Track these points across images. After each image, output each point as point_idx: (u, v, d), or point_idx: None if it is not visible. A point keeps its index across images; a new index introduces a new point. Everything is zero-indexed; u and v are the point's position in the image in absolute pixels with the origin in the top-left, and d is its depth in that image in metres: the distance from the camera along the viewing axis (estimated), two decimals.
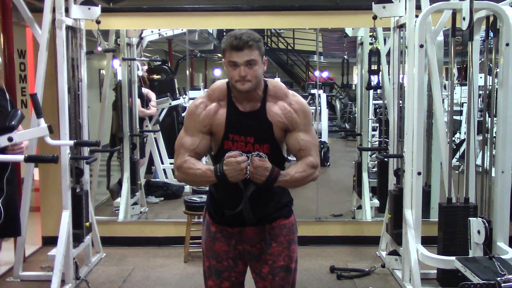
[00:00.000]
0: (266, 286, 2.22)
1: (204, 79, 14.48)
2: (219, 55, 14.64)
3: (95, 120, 4.96)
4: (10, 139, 2.71)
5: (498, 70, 3.40)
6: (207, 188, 2.29)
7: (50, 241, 4.31)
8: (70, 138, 3.63)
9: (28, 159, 2.84)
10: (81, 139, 3.89)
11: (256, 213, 2.12)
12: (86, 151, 4.01)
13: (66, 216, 3.60)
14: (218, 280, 2.26)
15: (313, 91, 10.43)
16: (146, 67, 6.15)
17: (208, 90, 2.18)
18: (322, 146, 8.69)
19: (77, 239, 3.77)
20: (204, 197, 4.45)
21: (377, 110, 8.43)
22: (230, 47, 2.03)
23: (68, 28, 3.75)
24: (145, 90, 6.12)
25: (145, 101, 6.04)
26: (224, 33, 13.64)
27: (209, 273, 2.30)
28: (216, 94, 2.13)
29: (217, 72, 14.55)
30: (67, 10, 3.71)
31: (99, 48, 4.17)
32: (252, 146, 2.07)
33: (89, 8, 3.82)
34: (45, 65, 3.66)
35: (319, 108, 9.78)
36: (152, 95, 6.27)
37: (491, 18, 3.39)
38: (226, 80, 2.13)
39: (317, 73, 10.35)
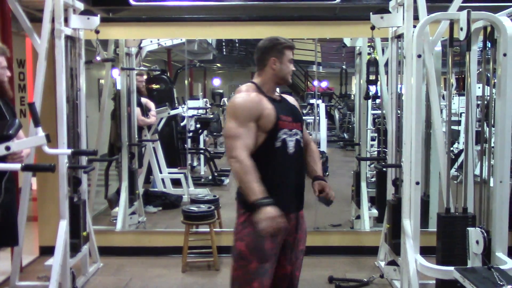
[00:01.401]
0: (292, 269, 2.53)
1: (203, 88, 14.51)
2: (218, 65, 14.72)
3: (94, 129, 4.96)
4: (7, 148, 2.71)
5: (495, 80, 3.40)
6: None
7: (47, 250, 4.28)
8: (68, 147, 3.63)
9: (25, 168, 2.84)
10: (79, 149, 3.89)
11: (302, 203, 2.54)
12: (84, 160, 4.00)
13: (63, 226, 3.58)
14: (264, 279, 2.38)
15: (312, 101, 10.44)
16: (143, 77, 6.13)
17: (241, 90, 2.46)
18: (321, 156, 8.68)
19: (74, 248, 3.75)
20: (203, 207, 4.45)
21: (376, 120, 8.45)
22: (291, 47, 2.51)
23: (67, 38, 3.77)
24: (144, 100, 6.12)
25: (144, 110, 6.04)
26: (223, 43, 13.79)
27: (255, 275, 2.38)
28: (251, 90, 2.45)
29: (216, 81, 14.59)
30: (66, 20, 3.74)
31: (98, 58, 4.18)
32: (294, 124, 2.47)
33: (88, 18, 3.84)
34: (44, 75, 3.67)
35: (318, 118, 9.80)
36: (152, 105, 6.28)
37: (489, 29, 3.40)
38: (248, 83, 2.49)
39: (315, 83, 10.37)
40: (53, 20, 3.63)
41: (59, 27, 3.61)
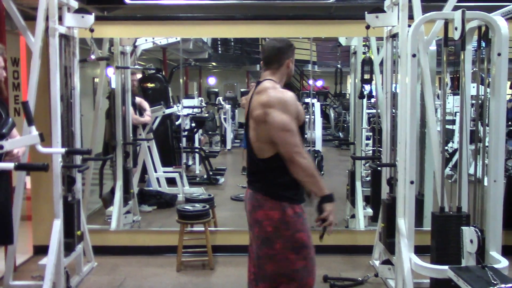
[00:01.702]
0: None
1: (198, 87, 14.50)
2: (214, 63, 14.71)
3: (88, 128, 4.94)
4: (0, 147, 2.69)
5: (490, 79, 3.41)
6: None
7: (41, 250, 4.27)
8: (62, 146, 3.62)
9: (19, 167, 2.82)
10: (74, 148, 3.87)
11: None
12: (78, 159, 3.99)
13: (57, 225, 3.57)
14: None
15: (307, 100, 10.45)
16: (135, 76, 6.10)
17: (268, 87, 2.49)
18: (316, 155, 8.69)
19: (69, 248, 3.74)
20: (198, 206, 4.45)
21: (371, 119, 8.46)
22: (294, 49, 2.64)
23: (61, 36, 3.75)
24: (138, 99, 6.10)
25: (138, 110, 6.01)
26: (219, 42, 13.78)
27: (314, 261, 2.54)
28: (279, 87, 2.54)
29: (212, 80, 14.57)
30: (60, 19, 3.72)
31: (93, 57, 4.17)
32: None
33: (83, 17, 3.82)
34: (38, 73, 3.65)
35: (313, 117, 9.80)
36: (146, 104, 6.26)
37: (483, 28, 3.41)
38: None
39: (311, 82, 10.38)
40: (47, 19, 3.61)
41: (53, 25, 3.59)
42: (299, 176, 2.40)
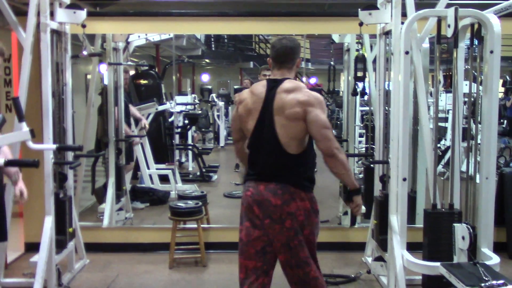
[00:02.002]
0: None
1: (191, 84, 14.46)
2: (207, 60, 14.67)
3: (81, 125, 4.91)
4: None
5: (482, 77, 3.42)
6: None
7: (33, 247, 4.24)
8: (54, 143, 3.59)
9: (8, 163, 2.80)
10: (65, 144, 3.85)
11: None
12: (70, 156, 3.96)
13: (48, 222, 3.55)
14: None
15: None
16: (128, 74, 6.04)
17: (302, 86, 2.64)
18: None
19: (60, 245, 3.72)
20: (190, 203, 4.44)
21: (364, 117, 8.48)
22: None
23: (53, 32, 3.73)
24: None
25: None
26: (212, 39, 13.76)
27: None
28: None
29: (205, 77, 14.55)
30: (52, 14, 3.69)
31: (85, 53, 4.14)
32: None
33: (75, 12, 3.79)
34: (29, 69, 3.62)
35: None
36: (132, 108, 6.18)
37: (476, 26, 3.42)
38: None
39: (304, 79, 10.38)
40: (38, 14, 3.58)
41: (45, 20, 3.56)
42: (337, 169, 2.61)
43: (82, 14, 3.80)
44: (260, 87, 2.65)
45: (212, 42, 13.73)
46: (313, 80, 15.35)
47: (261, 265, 2.64)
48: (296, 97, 2.54)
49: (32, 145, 2.91)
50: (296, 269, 2.65)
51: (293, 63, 2.69)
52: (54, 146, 3.36)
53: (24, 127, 2.81)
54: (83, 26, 3.86)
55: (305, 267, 2.65)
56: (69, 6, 3.83)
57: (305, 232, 2.63)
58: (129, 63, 5.92)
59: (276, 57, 2.68)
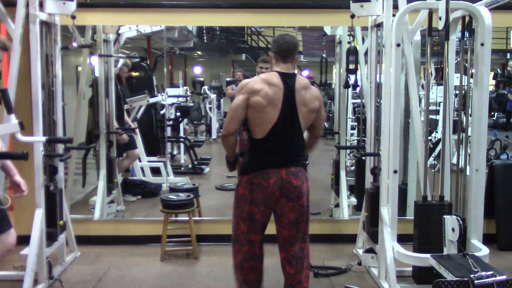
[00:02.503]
0: None
1: (183, 76, 14.41)
2: (199, 52, 14.62)
3: (72, 117, 4.88)
4: None
5: (473, 70, 3.43)
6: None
7: (23, 240, 4.18)
8: (44, 135, 3.57)
9: None
10: (55, 136, 3.82)
11: None
12: (60, 148, 3.94)
13: (39, 215, 3.53)
14: None
15: None
16: (125, 67, 6.00)
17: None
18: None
19: (51, 238, 3.70)
20: (182, 195, 4.43)
21: (356, 109, 8.49)
22: None
23: (42, 23, 3.69)
24: None
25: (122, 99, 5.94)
26: (204, 31, 13.69)
27: None
28: None
29: (197, 70, 14.48)
30: (41, 5, 3.65)
31: (74, 44, 4.09)
32: None
33: (64, 3, 3.75)
34: (19, 61, 3.58)
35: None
36: None
37: (467, 18, 3.43)
38: None
39: (297, 71, 10.35)
40: (28, 5, 3.54)
41: (34, 11, 3.52)
42: (315, 146, 3.17)
43: (72, 5, 3.76)
44: (276, 79, 2.83)
45: (204, 34, 13.68)
46: (305, 73, 15.34)
47: (261, 238, 2.98)
48: (313, 94, 2.91)
49: (21, 137, 2.89)
50: (295, 245, 2.94)
51: (293, 59, 2.93)
52: (43, 139, 3.33)
53: (13, 119, 2.79)
54: (73, 17, 3.82)
55: (302, 243, 2.98)
56: None
57: (308, 211, 2.99)
58: (120, 55, 5.87)
59: (281, 52, 2.90)
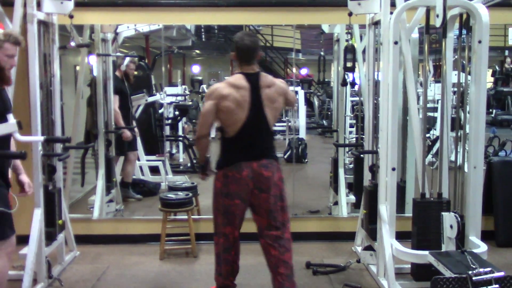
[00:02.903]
0: None
1: (182, 75, 14.39)
2: (197, 51, 14.60)
3: (71, 116, 4.87)
4: None
5: (471, 67, 3.44)
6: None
7: (22, 239, 4.19)
8: (42, 135, 3.57)
9: None
10: (54, 136, 3.82)
11: None
12: (59, 147, 3.94)
13: (38, 214, 3.54)
14: None
15: (291, 88, 10.44)
16: (132, 64, 5.96)
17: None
18: (300, 142, 8.71)
19: (50, 237, 3.71)
20: (181, 194, 4.44)
21: (354, 107, 8.49)
22: None
23: (40, 22, 3.69)
24: None
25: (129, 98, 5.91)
26: (202, 30, 13.67)
27: None
28: None
29: (196, 68, 14.48)
30: (39, 4, 3.65)
31: (72, 43, 4.10)
32: None
33: (62, 3, 3.76)
34: (16, 60, 3.57)
35: (297, 105, 9.80)
36: None
37: (465, 16, 3.43)
38: None
39: (294, 70, 10.36)
40: (25, 5, 3.54)
41: (31, 11, 3.52)
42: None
43: (70, 4, 3.77)
44: (242, 81, 3.01)
45: (203, 33, 13.66)
46: (304, 71, 15.35)
47: (237, 231, 3.18)
48: (277, 91, 3.08)
49: (19, 137, 2.89)
50: (274, 231, 3.09)
51: (257, 57, 3.09)
52: (41, 138, 3.33)
53: (11, 119, 2.78)
54: (71, 16, 3.82)
55: (282, 228, 3.11)
56: None
57: (284, 198, 3.13)
58: (118, 54, 5.86)
59: (243, 55, 3.06)
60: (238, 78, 3.03)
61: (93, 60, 5.15)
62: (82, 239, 4.44)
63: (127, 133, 5.60)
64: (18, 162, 3.11)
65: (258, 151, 3.07)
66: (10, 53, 2.90)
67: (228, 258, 3.20)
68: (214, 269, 3.29)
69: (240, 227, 3.20)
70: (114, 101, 5.46)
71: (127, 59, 5.80)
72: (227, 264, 3.21)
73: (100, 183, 5.00)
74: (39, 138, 3.31)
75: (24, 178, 3.13)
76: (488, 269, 2.63)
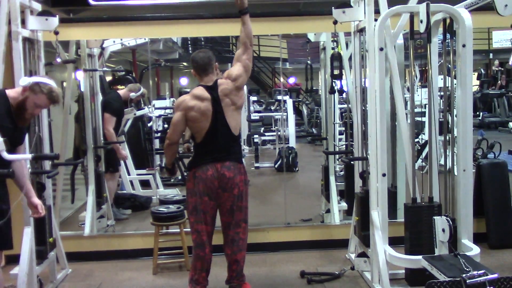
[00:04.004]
0: None
1: (170, 88, 14.38)
2: (185, 63, 14.60)
3: (59, 133, 4.84)
4: None
5: (456, 70, 3.47)
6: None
7: (13, 259, 4.15)
8: (30, 152, 3.53)
9: None
10: (42, 153, 3.79)
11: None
12: (48, 165, 3.91)
13: (28, 233, 3.50)
14: None
15: (279, 97, 10.47)
16: (140, 92, 5.85)
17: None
18: (290, 151, 8.72)
19: (41, 256, 3.67)
20: (172, 207, 4.41)
21: (343, 114, 8.52)
22: None
23: (25, 39, 3.68)
24: None
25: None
26: (189, 42, 13.69)
27: None
28: None
29: (184, 81, 14.48)
30: (23, 22, 3.63)
31: (58, 60, 4.08)
32: None
33: (47, 19, 3.76)
34: (2, 78, 3.55)
35: (286, 114, 9.83)
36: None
37: (448, 21, 3.47)
38: None
39: (282, 79, 10.40)
40: (9, 22, 3.52)
41: (16, 29, 3.51)
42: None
43: (55, 20, 3.76)
44: (205, 93, 3.34)
45: (189, 45, 13.68)
46: (291, 80, 15.42)
47: (212, 229, 3.45)
48: (231, 91, 3.36)
49: (6, 155, 2.86)
50: (232, 229, 3.42)
51: (213, 68, 3.41)
52: (29, 156, 3.29)
53: None
54: (56, 33, 3.82)
55: (237, 228, 3.42)
56: (41, 13, 3.79)
57: (243, 199, 3.41)
58: (105, 68, 5.84)
59: (199, 69, 3.40)
60: (201, 90, 3.36)
61: (80, 75, 5.13)
62: (73, 256, 4.40)
63: (122, 153, 5.57)
64: (29, 186, 3.23)
65: (222, 154, 3.36)
66: (41, 104, 3.04)
67: (200, 254, 3.41)
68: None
69: (212, 224, 3.44)
70: (110, 122, 5.37)
71: (142, 90, 5.78)
72: (199, 260, 3.41)
73: (91, 199, 4.96)
74: (27, 156, 3.27)
75: (35, 200, 3.23)
76: (482, 271, 2.63)
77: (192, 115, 3.33)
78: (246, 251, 3.51)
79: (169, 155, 3.57)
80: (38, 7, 3.82)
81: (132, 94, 5.68)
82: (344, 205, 5.04)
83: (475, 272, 2.62)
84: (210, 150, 3.37)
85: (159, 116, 8.55)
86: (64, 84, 5.00)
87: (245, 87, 3.59)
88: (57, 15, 3.80)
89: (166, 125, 8.68)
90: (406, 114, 3.83)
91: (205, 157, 3.37)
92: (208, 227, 3.42)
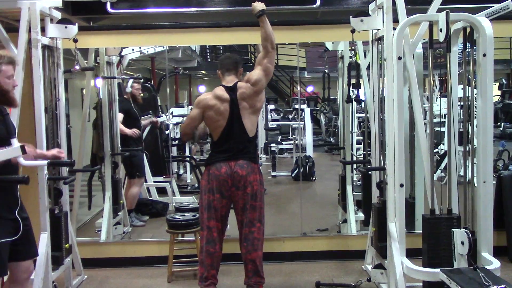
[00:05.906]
0: None
1: (188, 96, 14.46)
2: (203, 72, 14.70)
3: (78, 139, 4.88)
4: None
5: (476, 80, 3.41)
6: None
7: None
8: None
9: None
10: (58, 159, 3.81)
11: None
12: (65, 171, 3.94)
13: (44, 239, 3.52)
14: None
15: (297, 106, 10.44)
16: (137, 85, 5.97)
17: None
18: (307, 160, 8.68)
19: (57, 261, 3.69)
20: (187, 215, 4.40)
21: (361, 123, 8.47)
22: None
23: (45, 47, 3.73)
24: None
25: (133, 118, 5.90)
26: (207, 50, 13.77)
27: None
28: None
29: (202, 89, 14.55)
30: (43, 29, 3.68)
31: (77, 67, 4.12)
32: None
33: (66, 27, 3.80)
34: (22, 85, 3.60)
35: (303, 122, 9.80)
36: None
37: (468, 30, 3.42)
38: None
39: (299, 88, 10.39)
40: (30, 30, 3.58)
41: (36, 36, 3.55)
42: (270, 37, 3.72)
43: (74, 28, 3.81)
44: (225, 93, 3.49)
45: (208, 54, 13.77)
46: (309, 89, 15.39)
47: (223, 227, 3.56)
48: (249, 95, 3.49)
49: (23, 161, 2.88)
50: (246, 228, 3.50)
51: (237, 71, 3.60)
52: (45, 162, 3.32)
53: (15, 143, 2.78)
54: (75, 40, 3.86)
55: (252, 227, 3.49)
56: (61, 21, 3.83)
57: (257, 198, 3.48)
58: (123, 76, 5.89)
59: (223, 67, 3.61)
60: (222, 90, 3.51)
61: (99, 82, 5.18)
62: (89, 263, 4.42)
63: (127, 131, 5.61)
64: (34, 151, 3.20)
65: (236, 153, 3.48)
66: (9, 74, 2.90)
67: (210, 250, 3.50)
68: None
69: (223, 222, 3.55)
70: (119, 119, 5.48)
71: (130, 80, 5.82)
72: (209, 257, 3.50)
73: (107, 205, 4.99)
74: (43, 162, 3.30)
75: (47, 152, 3.35)
76: (502, 286, 2.57)
77: (210, 114, 3.49)
78: (262, 252, 3.54)
79: (189, 133, 3.68)
80: (58, 15, 3.87)
81: (127, 89, 5.77)
82: (361, 215, 4.98)
83: (495, 287, 2.56)
84: (225, 149, 3.50)
85: (177, 123, 8.59)
86: (84, 91, 5.05)
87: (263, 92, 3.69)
88: (76, 23, 3.84)
89: None
90: (425, 124, 3.78)
91: (220, 155, 3.51)
92: (219, 224, 3.52)
